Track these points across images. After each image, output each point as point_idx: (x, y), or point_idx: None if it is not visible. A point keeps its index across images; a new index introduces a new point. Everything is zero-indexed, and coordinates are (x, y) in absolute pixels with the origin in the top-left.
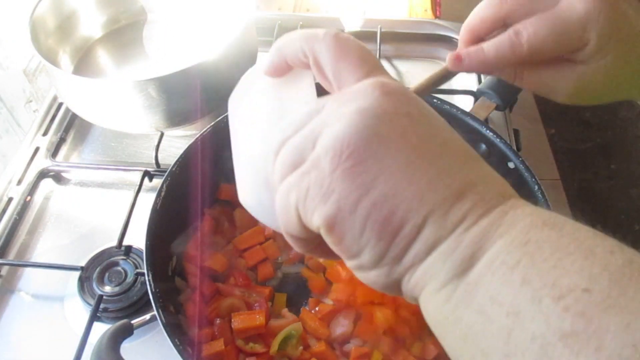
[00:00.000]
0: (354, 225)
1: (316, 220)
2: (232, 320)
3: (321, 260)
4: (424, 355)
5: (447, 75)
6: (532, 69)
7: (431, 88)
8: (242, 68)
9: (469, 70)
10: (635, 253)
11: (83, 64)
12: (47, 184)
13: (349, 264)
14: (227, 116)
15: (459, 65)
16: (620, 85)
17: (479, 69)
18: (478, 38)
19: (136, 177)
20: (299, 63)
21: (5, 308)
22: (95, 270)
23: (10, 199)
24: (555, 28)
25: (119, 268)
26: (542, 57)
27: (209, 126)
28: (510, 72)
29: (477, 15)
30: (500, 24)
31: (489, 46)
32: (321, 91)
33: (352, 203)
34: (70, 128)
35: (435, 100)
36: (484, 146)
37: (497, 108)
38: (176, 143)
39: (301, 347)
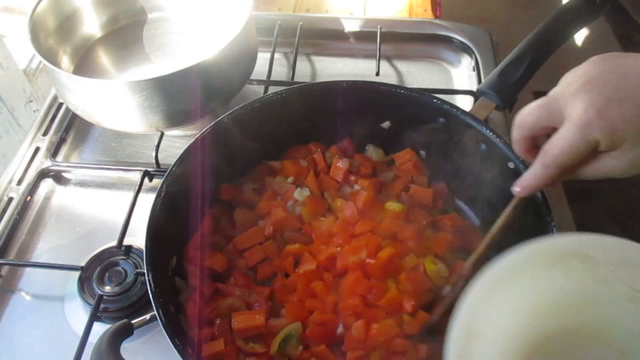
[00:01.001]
0: None
1: None
2: (232, 320)
3: None
4: (418, 355)
5: (522, 202)
6: (583, 166)
7: (512, 221)
8: (242, 68)
9: (533, 192)
10: None
11: (83, 64)
12: (47, 184)
13: None
14: (227, 116)
15: (522, 192)
16: None
17: (539, 188)
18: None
19: (136, 177)
20: None
21: (5, 308)
22: (95, 270)
23: (10, 199)
24: (573, 138)
25: (119, 268)
26: (576, 162)
27: (209, 126)
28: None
29: (515, 137)
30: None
31: (530, 174)
32: None
33: None
34: (70, 128)
35: (435, 101)
36: (484, 146)
37: (497, 108)
38: (176, 143)
39: (301, 347)
